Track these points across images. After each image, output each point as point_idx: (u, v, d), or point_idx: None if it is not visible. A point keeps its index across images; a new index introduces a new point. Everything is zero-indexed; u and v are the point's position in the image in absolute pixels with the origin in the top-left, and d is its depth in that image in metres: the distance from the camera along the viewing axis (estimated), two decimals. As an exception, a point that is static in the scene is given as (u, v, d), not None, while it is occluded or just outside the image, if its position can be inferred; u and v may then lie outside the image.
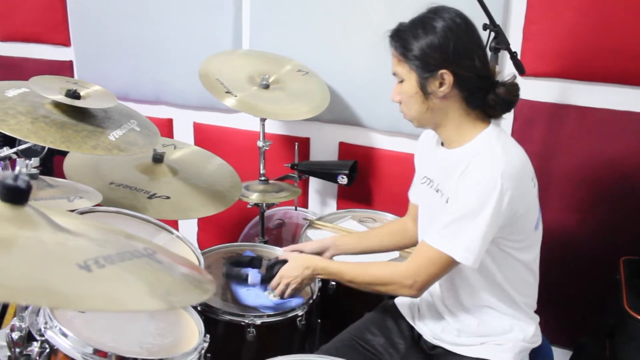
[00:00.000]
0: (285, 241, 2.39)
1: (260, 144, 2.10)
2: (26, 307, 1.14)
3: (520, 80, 1.33)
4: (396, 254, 1.86)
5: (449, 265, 1.25)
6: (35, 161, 1.35)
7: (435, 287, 1.40)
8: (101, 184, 1.68)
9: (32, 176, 1.35)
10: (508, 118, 1.41)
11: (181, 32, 2.45)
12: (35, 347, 1.12)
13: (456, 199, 1.24)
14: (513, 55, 1.72)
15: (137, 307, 0.63)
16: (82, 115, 1.41)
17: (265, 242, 2.16)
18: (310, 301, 1.62)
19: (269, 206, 2.23)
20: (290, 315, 1.57)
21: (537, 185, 1.31)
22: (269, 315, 1.54)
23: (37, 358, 1.11)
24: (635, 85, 1.86)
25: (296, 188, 2.18)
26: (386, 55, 2.08)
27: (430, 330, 1.43)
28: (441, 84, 1.25)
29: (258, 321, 1.52)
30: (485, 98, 1.27)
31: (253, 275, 1.58)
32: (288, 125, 2.43)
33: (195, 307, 1.45)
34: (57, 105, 1.40)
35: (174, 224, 2.50)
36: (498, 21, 1.69)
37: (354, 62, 2.19)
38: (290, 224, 2.40)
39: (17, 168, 1.27)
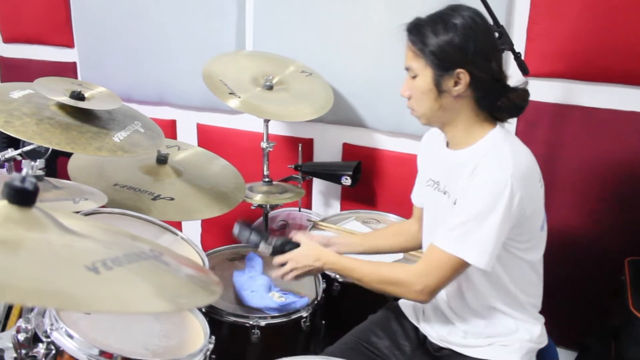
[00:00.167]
0: (289, 242, 2.39)
1: (264, 145, 2.09)
2: (32, 309, 1.14)
3: (519, 81, 1.32)
4: (400, 255, 1.86)
5: (461, 268, 1.23)
6: (40, 163, 1.35)
7: (442, 293, 1.39)
8: (105, 185, 1.68)
9: (38, 178, 1.35)
10: (512, 119, 1.41)
11: (184, 33, 2.46)
12: (41, 349, 1.12)
13: (466, 200, 1.22)
14: (517, 56, 1.71)
15: (145, 309, 0.63)
16: (86, 116, 1.42)
17: (269, 243, 2.16)
18: (315, 303, 1.62)
19: (273, 207, 2.23)
20: (294, 316, 1.57)
21: (543, 185, 1.30)
22: (273, 317, 1.55)
23: (43, 359, 1.11)
24: (639, 85, 1.86)
25: (300, 189, 2.17)
26: (389, 56, 2.10)
27: (436, 332, 1.43)
28: (456, 83, 1.23)
29: (262, 322, 1.52)
30: (497, 101, 1.26)
31: (264, 245, 1.51)
32: (292, 126, 2.43)
33: (199, 309, 1.45)
34: (62, 106, 1.40)
35: (178, 225, 2.50)
36: (502, 21, 1.68)
37: (357, 63, 2.19)
38: (294, 225, 2.40)
39: (24, 170, 1.27)
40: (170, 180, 1.79)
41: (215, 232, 2.70)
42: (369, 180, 2.31)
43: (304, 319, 1.59)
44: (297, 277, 1.44)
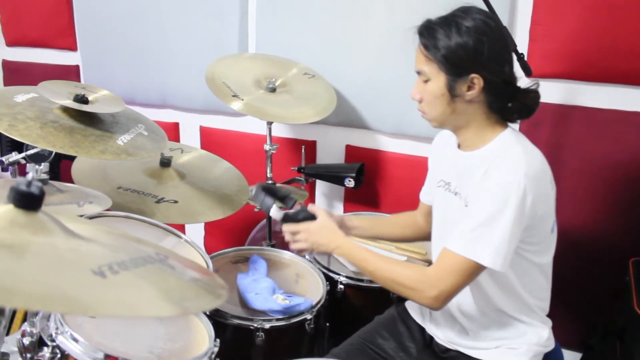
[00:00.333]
0: (292, 244, 2.39)
1: (267, 147, 2.10)
2: (37, 312, 1.14)
3: (526, 82, 1.32)
4: (403, 257, 1.86)
5: (476, 271, 1.21)
6: (45, 166, 1.35)
7: None
8: (109, 188, 1.68)
9: (42, 181, 1.35)
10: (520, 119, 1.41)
11: (187, 36, 2.46)
12: (46, 353, 1.12)
13: (478, 201, 1.21)
14: (520, 57, 1.71)
15: (152, 313, 0.63)
16: (90, 119, 1.42)
17: (273, 246, 2.16)
18: (319, 305, 1.62)
19: (276, 209, 2.23)
20: (298, 319, 1.57)
21: (554, 187, 1.29)
22: (277, 319, 1.54)
23: (48, 363, 1.12)
24: (642, 85, 1.86)
25: (303, 191, 2.17)
26: (392, 57, 2.10)
27: (443, 334, 1.42)
28: (470, 88, 1.22)
29: (267, 325, 1.52)
30: (508, 104, 1.26)
31: (276, 209, 1.46)
32: (294, 129, 2.43)
33: (204, 312, 1.45)
34: (66, 110, 1.40)
35: (181, 228, 2.50)
36: (504, 22, 1.68)
37: (359, 65, 2.19)
38: (297, 227, 2.39)
39: (30, 174, 1.27)
40: (173, 183, 1.79)
41: (219, 235, 2.70)
42: (372, 182, 2.31)
43: (308, 321, 1.58)
44: (303, 251, 1.42)
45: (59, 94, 1.42)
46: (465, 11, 1.23)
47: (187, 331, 1.33)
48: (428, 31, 1.24)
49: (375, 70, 2.17)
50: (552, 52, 1.91)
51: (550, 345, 1.38)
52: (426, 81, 1.27)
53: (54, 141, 1.28)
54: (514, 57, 1.66)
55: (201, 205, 1.74)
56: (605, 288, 1.99)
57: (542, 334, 1.35)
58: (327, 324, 1.72)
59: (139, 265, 0.70)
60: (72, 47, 2.79)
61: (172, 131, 2.64)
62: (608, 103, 1.91)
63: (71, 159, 1.75)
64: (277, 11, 2.28)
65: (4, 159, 1.56)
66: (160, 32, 2.51)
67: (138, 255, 0.74)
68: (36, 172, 1.33)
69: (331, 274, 1.76)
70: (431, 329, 1.46)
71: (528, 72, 1.71)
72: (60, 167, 2.32)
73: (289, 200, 1.53)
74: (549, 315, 1.40)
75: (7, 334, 1.45)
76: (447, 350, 1.42)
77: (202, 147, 2.55)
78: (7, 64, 3.01)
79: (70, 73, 2.80)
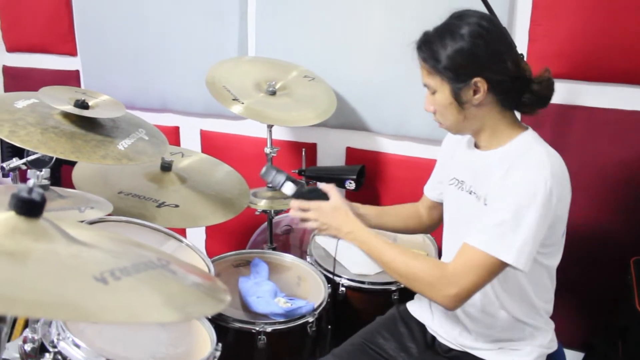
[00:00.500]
0: (294, 247, 2.39)
1: (267, 150, 2.10)
2: (38, 319, 1.14)
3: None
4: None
5: (498, 269, 1.18)
6: (46, 172, 1.35)
7: None
8: (110, 193, 1.68)
9: (43, 187, 1.35)
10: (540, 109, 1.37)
11: (187, 40, 2.46)
12: (48, 359, 1.12)
13: (502, 199, 1.19)
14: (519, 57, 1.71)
15: (154, 319, 0.63)
16: (91, 125, 1.42)
17: (274, 249, 2.16)
18: (321, 307, 1.62)
19: (277, 212, 2.23)
20: (300, 321, 1.57)
21: (571, 191, 1.28)
22: (279, 323, 1.54)
23: (51, 369, 1.12)
24: (642, 85, 1.86)
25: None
26: (392, 59, 2.10)
27: (447, 333, 1.42)
28: (475, 92, 1.22)
29: (269, 328, 1.52)
30: (520, 98, 1.25)
31: (290, 185, 1.42)
32: (295, 131, 2.43)
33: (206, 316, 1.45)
34: (66, 115, 1.40)
35: (182, 232, 2.50)
36: (504, 23, 1.68)
37: (359, 67, 2.19)
38: (298, 230, 2.39)
39: (31, 180, 1.28)
40: (174, 187, 1.79)
41: (220, 238, 2.70)
42: (373, 184, 2.31)
43: (310, 324, 1.58)
44: (313, 230, 1.36)
45: (60, 100, 1.42)
46: (459, 17, 1.23)
47: (189, 336, 1.33)
48: (425, 45, 1.25)
49: (375, 72, 2.17)
50: (552, 53, 1.91)
51: (554, 346, 1.38)
52: (434, 93, 1.27)
53: (54, 147, 1.28)
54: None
55: (202, 209, 1.74)
56: (607, 287, 1.99)
57: (545, 336, 1.35)
58: (329, 327, 1.72)
59: (141, 270, 0.70)
60: (72, 53, 2.79)
61: (173, 135, 2.64)
62: (608, 103, 1.91)
63: (72, 164, 1.75)
64: (277, 14, 2.28)
65: (4, 164, 1.57)
66: (160, 36, 2.51)
67: (140, 260, 0.74)
68: (37, 178, 1.33)
69: (332, 277, 1.76)
70: (434, 329, 1.46)
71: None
72: (61, 172, 2.32)
73: (298, 181, 1.48)
74: (551, 316, 1.40)
75: (9, 340, 1.45)
76: (450, 350, 1.42)
77: (203, 151, 2.55)
78: (7, 70, 3.02)
79: (71, 78, 2.81)
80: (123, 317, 0.58)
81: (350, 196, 2.39)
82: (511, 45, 1.26)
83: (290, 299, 1.63)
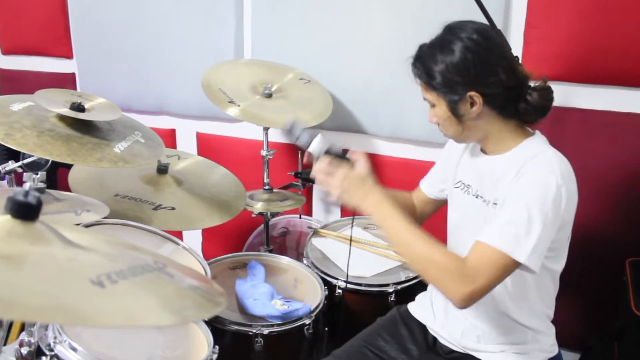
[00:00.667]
0: (290, 249, 2.39)
1: (263, 153, 2.10)
2: (35, 322, 1.14)
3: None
4: (397, 262, 1.86)
5: (511, 269, 1.16)
6: (42, 175, 1.35)
7: None
8: (106, 196, 1.68)
9: (40, 190, 1.35)
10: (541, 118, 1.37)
11: (183, 43, 2.46)
12: (44, 362, 1.12)
13: (516, 200, 1.17)
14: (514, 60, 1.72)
15: (152, 323, 0.63)
16: (87, 127, 1.42)
17: (270, 251, 2.16)
18: (317, 310, 1.62)
19: (274, 215, 2.23)
20: (297, 324, 1.57)
21: (577, 194, 1.27)
22: (276, 325, 1.54)
23: (47, 373, 1.11)
24: (637, 86, 1.86)
25: (300, 196, 2.18)
26: (388, 62, 2.10)
27: (449, 335, 1.42)
28: (472, 105, 1.21)
29: (265, 331, 1.52)
30: (518, 107, 1.25)
31: (317, 144, 1.31)
32: (291, 134, 2.43)
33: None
34: (62, 118, 1.40)
35: (178, 235, 2.50)
36: (499, 26, 1.70)
37: (355, 70, 2.20)
38: (295, 232, 2.40)
39: (27, 184, 1.27)
40: (170, 189, 1.79)
41: (216, 241, 2.70)
42: (369, 186, 2.31)
43: (307, 327, 1.59)
44: (329, 195, 1.27)
45: (55, 102, 1.42)
46: (451, 31, 1.23)
47: (186, 338, 1.32)
48: (418, 61, 1.26)
49: (371, 75, 2.17)
50: (547, 55, 1.92)
51: (555, 350, 1.38)
52: (433, 106, 1.28)
53: (50, 149, 1.28)
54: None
55: (199, 212, 1.74)
56: (602, 289, 2.00)
57: (547, 340, 1.36)
58: (326, 329, 1.73)
59: (138, 274, 0.70)
60: (68, 55, 2.79)
61: (169, 138, 2.64)
62: (603, 105, 1.92)
63: (68, 167, 1.75)
64: (273, 17, 2.29)
65: (0, 168, 1.56)
66: (156, 39, 2.51)
67: (136, 263, 0.74)
68: (33, 181, 1.32)
69: (329, 279, 1.76)
70: (435, 330, 1.46)
71: None
72: (57, 175, 2.31)
73: (326, 141, 1.38)
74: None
75: (5, 343, 1.44)
76: (451, 351, 1.42)
77: (199, 154, 2.55)
78: (3, 73, 3.01)
79: (67, 81, 2.80)
80: (120, 321, 0.58)
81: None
82: (505, 55, 1.25)
83: (287, 301, 1.63)
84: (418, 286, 1.77)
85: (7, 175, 1.59)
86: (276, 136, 2.42)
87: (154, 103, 2.61)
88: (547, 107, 1.27)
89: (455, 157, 1.46)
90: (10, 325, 1.66)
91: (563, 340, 1.43)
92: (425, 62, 1.24)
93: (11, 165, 1.57)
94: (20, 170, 1.60)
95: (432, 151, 2.13)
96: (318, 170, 1.28)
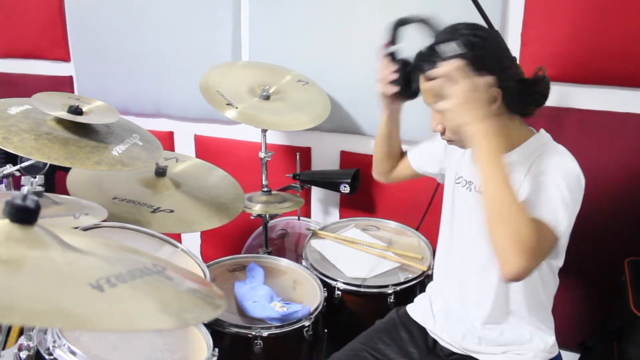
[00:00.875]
0: (289, 251, 2.39)
1: (262, 155, 2.10)
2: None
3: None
4: (397, 264, 1.86)
5: (555, 246, 1.13)
6: (40, 178, 1.35)
7: (460, 296, 1.40)
8: (104, 199, 1.67)
9: (38, 194, 1.34)
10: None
11: (180, 45, 2.46)
12: (44, 366, 1.11)
13: (542, 188, 1.16)
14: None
15: (151, 326, 0.63)
16: (84, 131, 1.42)
17: (269, 253, 2.16)
18: (317, 311, 1.62)
19: (272, 217, 2.23)
20: (297, 326, 1.57)
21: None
22: (275, 327, 1.54)
23: (46, 377, 1.11)
24: (634, 87, 1.87)
25: (299, 198, 2.18)
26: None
27: (449, 337, 1.42)
28: (494, 101, 1.18)
29: (265, 333, 1.52)
30: (521, 101, 1.24)
31: (451, 46, 1.16)
32: (289, 136, 2.43)
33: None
34: (60, 121, 1.40)
35: (177, 237, 2.49)
36: (496, 26, 1.70)
37: (353, 71, 2.20)
38: (294, 234, 2.40)
39: (25, 187, 1.27)
40: (169, 192, 1.79)
41: (215, 243, 2.69)
42: (368, 187, 2.32)
43: (307, 328, 1.58)
44: (444, 107, 1.15)
45: (53, 106, 1.42)
46: (455, 30, 1.20)
47: (185, 341, 1.32)
48: (431, 64, 1.18)
49: (369, 76, 2.16)
50: (544, 56, 1.92)
51: (555, 351, 1.38)
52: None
53: (48, 153, 1.28)
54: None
55: (197, 214, 1.73)
56: (601, 288, 2.00)
57: (548, 340, 1.36)
58: (325, 331, 1.72)
59: (137, 277, 0.70)
60: (66, 58, 2.78)
61: (167, 140, 2.64)
62: (601, 105, 1.93)
63: (66, 170, 1.75)
64: (270, 19, 2.29)
65: (-2, 171, 1.56)
66: (154, 41, 2.51)
67: (135, 267, 0.74)
68: (31, 184, 1.32)
69: (328, 280, 1.76)
70: (435, 332, 1.46)
71: None
72: (55, 178, 2.31)
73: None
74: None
75: (4, 348, 1.44)
76: (452, 353, 1.41)
77: (197, 156, 2.55)
78: (0, 76, 3.00)
79: (64, 84, 2.80)
80: (119, 325, 0.58)
81: (345, 200, 2.40)
82: (507, 48, 1.26)
83: (286, 303, 1.63)
84: (417, 287, 1.78)
85: (4, 179, 1.59)
86: (274, 138, 2.42)
87: (151, 106, 2.61)
88: (545, 96, 1.27)
89: (457, 154, 1.45)
90: (9, 329, 1.65)
91: (562, 340, 1.43)
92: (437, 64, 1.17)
93: (9, 168, 1.57)
94: (18, 173, 1.60)
95: (430, 152, 2.13)
96: (444, 70, 1.14)
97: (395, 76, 1.41)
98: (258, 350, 1.51)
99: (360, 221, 2.17)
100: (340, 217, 2.42)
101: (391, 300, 1.70)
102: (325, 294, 1.71)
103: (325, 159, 2.40)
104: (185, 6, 2.39)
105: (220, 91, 1.99)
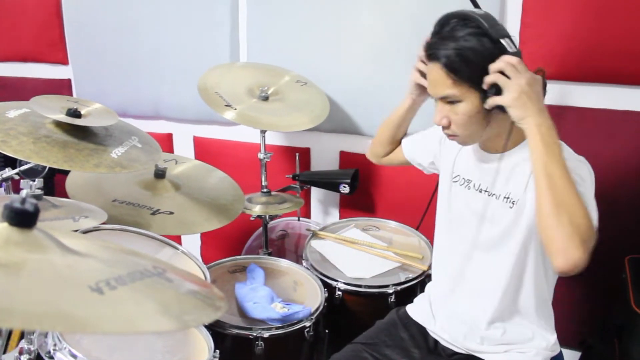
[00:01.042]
0: (289, 252, 2.39)
1: (261, 155, 2.10)
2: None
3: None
4: (397, 263, 1.85)
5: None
6: (39, 182, 1.35)
7: (462, 296, 1.40)
8: (104, 201, 1.67)
9: (37, 197, 1.34)
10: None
11: (178, 46, 2.46)
12: (44, 370, 1.11)
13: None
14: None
15: (151, 329, 0.63)
16: (83, 133, 1.42)
17: (269, 254, 2.16)
18: (317, 312, 1.62)
19: (272, 218, 2.23)
20: (297, 326, 1.56)
21: None
22: (276, 328, 1.54)
23: (47, 380, 1.11)
24: (632, 84, 1.87)
25: (299, 199, 2.18)
26: (383, 63, 2.10)
27: (451, 337, 1.42)
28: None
29: (266, 334, 1.52)
30: None
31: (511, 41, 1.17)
32: (288, 136, 2.43)
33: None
34: (59, 124, 1.40)
35: (177, 239, 2.49)
36: (494, 26, 1.70)
37: (352, 71, 2.20)
38: (293, 235, 2.40)
39: (24, 190, 1.27)
40: (168, 194, 1.79)
41: (215, 245, 2.69)
42: (367, 188, 2.32)
43: (307, 329, 1.58)
44: (502, 101, 1.14)
45: (51, 109, 1.42)
46: (462, 20, 1.17)
47: (186, 343, 1.32)
48: (455, 53, 1.15)
49: (367, 76, 2.18)
50: (543, 54, 1.92)
51: (557, 349, 1.38)
52: (453, 103, 1.20)
53: (47, 156, 1.27)
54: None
55: (197, 216, 1.73)
56: (602, 286, 2.00)
57: (550, 339, 1.36)
58: (327, 331, 1.72)
59: (137, 279, 0.70)
60: (64, 61, 2.78)
61: (166, 142, 2.63)
62: (598, 103, 1.93)
63: (65, 173, 1.75)
64: (268, 20, 2.29)
65: (-3, 175, 1.56)
66: (152, 43, 2.51)
67: (135, 269, 0.74)
68: (30, 188, 1.32)
69: (329, 281, 1.76)
70: (436, 332, 1.46)
71: None
72: (54, 181, 2.31)
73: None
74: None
75: (5, 351, 1.44)
76: (454, 353, 1.41)
77: (196, 158, 2.55)
78: (-2, 80, 3.01)
79: (63, 87, 2.80)
80: (119, 327, 0.57)
81: (345, 200, 2.40)
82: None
83: (287, 304, 1.63)
84: (418, 287, 1.77)
85: (4, 183, 1.59)
86: (273, 139, 2.42)
87: (150, 108, 2.61)
88: (545, 91, 1.25)
89: (453, 151, 1.45)
90: (10, 333, 1.65)
91: (563, 338, 1.43)
92: (462, 52, 1.14)
93: (8, 172, 1.57)
94: (17, 177, 1.59)
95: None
96: (504, 65, 1.13)
97: None
98: (259, 352, 1.51)
99: (360, 221, 2.17)
100: (340, 218, 2.42)
101: (392, 300, 1.70)
102: (326, 295, 1.71)
103: (325, 159, 2.40)
104: (183, 7, 2.39)
105: (219, 92, 1.99)
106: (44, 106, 1.42)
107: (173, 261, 1.58)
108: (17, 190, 1.47)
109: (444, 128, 1.26)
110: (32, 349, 1.09)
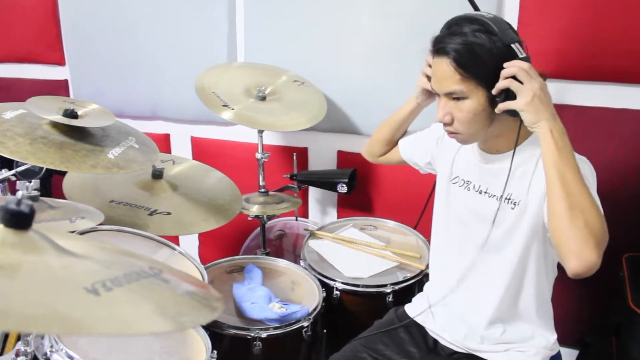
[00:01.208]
0: (287, 252, 2.39)
1: (258, 155, 2.10)
2: (31, 331, 1.13)
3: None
4: (394, 263, 1.85)
5: None
6: (35, 183, 1.34)
7: (462, 296, 1.39)
8: (101, 202, 1.67)
9: (33, 198, 1.34)
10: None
11: (176, 46, 2.46)
12: (41, 371, 1.11)
13: None
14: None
15: (148, 330, 0.62)
16: (80, 134, 1.41)
17: (267, 254, 2.16)
18: (315, 312, 1.62)
19: (270, 218, 2.23)
20: (295, 326, 1.56)
21: None
22: (274, 328, 1.54)
23: (44, 382, 1.11)
24: (630, 82, 1.87)
25: (296, 199, 2.17)
26: (381, 62, 2.10)
27: (450, 336, 1.42)
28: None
29: (264, 334, 1.52)
30: None
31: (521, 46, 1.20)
32: (286, 136, 2.43)
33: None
34: (55, 125, 1.39)
35: (175, 240, 2.49)
36: (491, 25, 1.70)
37: (349, 71, 2.20)
38: (291, 235, 2.39)
39: (20, 192, 1.27)
40: (166, 194, 1.78)
41: (213, 245, 2.69)
42: (365, 187, 2.32)
43: (305, 329, 1.58)
44: (514, 106, 1.14)
45: (48, 110, 1.41)
46: (472, 21, 1.16)
47: (183, 344, 1.32)
48: (465, 48, 1.15)
49: (365, 76, 2.17)
50: (540, 53, 1.92)
51: (556, 348, 1.38)
52: (459, 99, 1.19)
53: (44, 157, 1.27)
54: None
55: (194, 216, 1.73)
56: (600, 284, 1.99)
57: (550, 338, 1.36)
58: (325, 331, 1.72)
59: (133, 280, 0.70)
60: (60, 62, 2.77)
61: (163, 142, 2.63)
62: (597, 101, 1.93)
63: (62, 174, 1.74)
64: (265, 20, 2.28)
65: (-7, 176, 1.55)
66: (149, 43, 2.50)
67: (132, 270, 0.73)
68: (26, 189, 1.31)
69: (326, 280, 1.76)
70: (435, 332, 1.46)
71: None
72: (51, 182, 2.30)
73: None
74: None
75: (1, 353, 1.44)
76: (454, 352, 1.41)
77: (194, 158, 2.55)
78: (-5, 81, 3.00)
79: (60, 88, 2.79)
80: (116, 329, 0.57)
81: (343, 200, 2.40)
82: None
83: (285, 304, 1.63)
84: (415, 286, 1.77)
85: (0, 184, 1.58)
86: (271, 139, 2.42)
87: (147, 108, 2.60)
88: None
89: (451, 152, 1.45)
90: (6, 335, 1.65)
91: (561, 336, 1.43)
92: (473, 48, 1.14)
93: (4, 173, 1.56)
94: (13, 178, 1.59)
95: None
96: (517, 70, 1.14)
97: None
98: (257, 352, 1.51)
99: (358, 221, 2.17)
100: (338, 217, 2.42)
101: (390, 300, 1.70)
102: (324, 294, 1.71)
103: (322, 159, 2.40)
104: (180, 8, 2.39)
105: (216, 92, 1.99)
106: (41, 107, 1.41)
107: (170, 262, 1.57)
108: (13, 191, 1.47)
109: (445, 125, 1.25)
110: (28, 350, 1.09)
